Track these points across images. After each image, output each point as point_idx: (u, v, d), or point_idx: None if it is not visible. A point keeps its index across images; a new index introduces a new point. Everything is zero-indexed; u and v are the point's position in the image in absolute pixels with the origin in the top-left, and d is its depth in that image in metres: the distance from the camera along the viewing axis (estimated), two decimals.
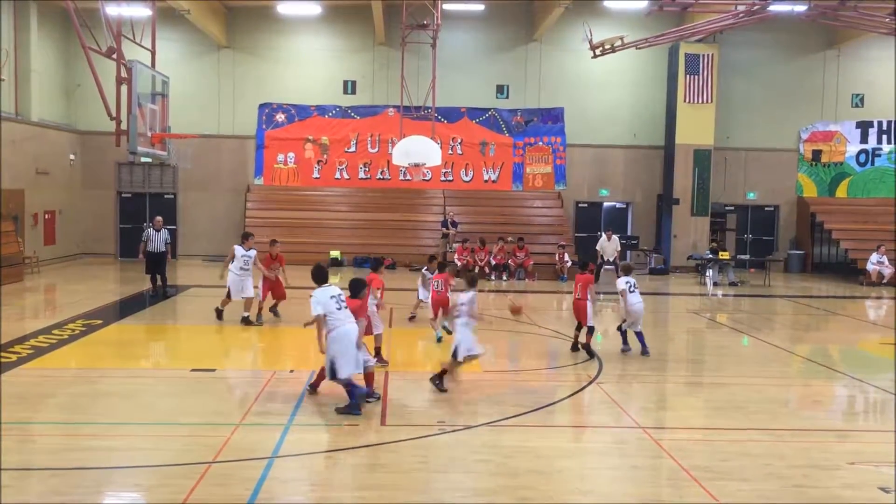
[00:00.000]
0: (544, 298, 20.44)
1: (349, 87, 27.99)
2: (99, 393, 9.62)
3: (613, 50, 22.49)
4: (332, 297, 8.74)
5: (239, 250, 14.47)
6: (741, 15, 19.45)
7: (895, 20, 18.88)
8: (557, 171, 28.20)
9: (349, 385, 8.66)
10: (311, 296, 8.88)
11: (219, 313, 14.63)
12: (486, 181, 28.21)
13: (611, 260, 23.72)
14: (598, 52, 22.38)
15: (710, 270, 23.64)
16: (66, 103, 26.88)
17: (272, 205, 27.42)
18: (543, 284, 23.00)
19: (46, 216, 24.91)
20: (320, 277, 9.05)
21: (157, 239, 17.83)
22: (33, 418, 8.51)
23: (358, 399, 8.68)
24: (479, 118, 27.96)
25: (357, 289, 9.33)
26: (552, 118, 28.04)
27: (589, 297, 11.98)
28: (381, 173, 27.88)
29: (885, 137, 28.42)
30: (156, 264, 17.97)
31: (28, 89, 23.99)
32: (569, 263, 23.95)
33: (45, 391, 9.62)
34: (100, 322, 14.49)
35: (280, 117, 27.70)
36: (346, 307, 8.82)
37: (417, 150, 21.49)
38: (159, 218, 18.68)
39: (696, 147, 26.76)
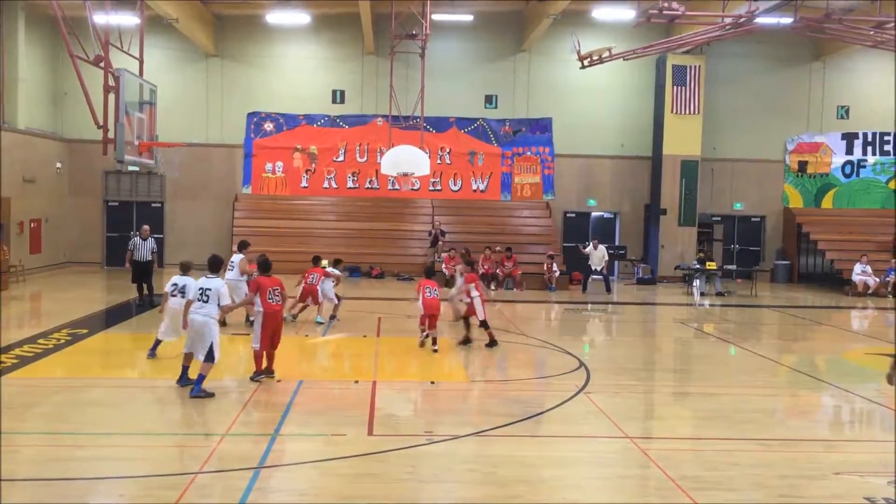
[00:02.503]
0: (532, 308, 20.45)
1: (338, 97, 28.01)
2: (84, 402, 9.55)
3: (601, 61, 22.57)
4: (199, 288, 10.14)
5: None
6: (728, 27, 19.55)
7: (880, 33, 19.04)
8: (546, 181, 28.24)
9: (185, 363, 10.33)
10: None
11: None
12: (474, 191, 28.21)
13: (598, 269, 23.88)
14: (586, 62, 22.48)
15: (698, 280, 23.74)
16: (53, 111, 26.76)
17: (260, 214, 27.34)
18: (532, 294, 23.03)
19: (32, 224, 24.75)
20: (213, 267, 10.40)
21: (143, 248, 17.76)
22: (18, 428, 8.41)
23: (184, 377, 10.31)
24: (468, 128, 27.97)
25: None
26: (540, 128, 28.09)
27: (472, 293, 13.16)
28: (370, 183, 27.84)
29: (870, 149, 28.62)
30: (142, 273, 17.90)
31: (15, 97, 23.86)
32: (557, 273, 24.02)
33: (29, 401, 9.53)
34: (86, 331, 14.39)
35: (268, 126, 27.64)
36: (205, 301, 10.02)
37: (406, 160, 21.52)
38: (146, 227, 18.63)
39: (683, 157, 26.91)
